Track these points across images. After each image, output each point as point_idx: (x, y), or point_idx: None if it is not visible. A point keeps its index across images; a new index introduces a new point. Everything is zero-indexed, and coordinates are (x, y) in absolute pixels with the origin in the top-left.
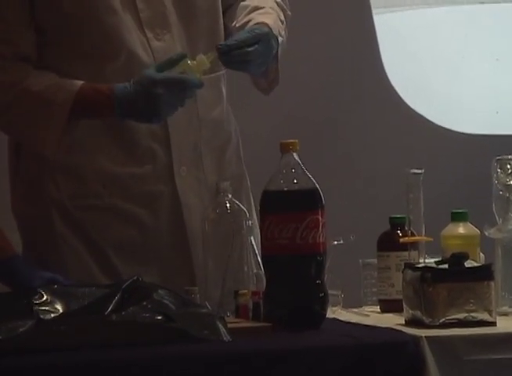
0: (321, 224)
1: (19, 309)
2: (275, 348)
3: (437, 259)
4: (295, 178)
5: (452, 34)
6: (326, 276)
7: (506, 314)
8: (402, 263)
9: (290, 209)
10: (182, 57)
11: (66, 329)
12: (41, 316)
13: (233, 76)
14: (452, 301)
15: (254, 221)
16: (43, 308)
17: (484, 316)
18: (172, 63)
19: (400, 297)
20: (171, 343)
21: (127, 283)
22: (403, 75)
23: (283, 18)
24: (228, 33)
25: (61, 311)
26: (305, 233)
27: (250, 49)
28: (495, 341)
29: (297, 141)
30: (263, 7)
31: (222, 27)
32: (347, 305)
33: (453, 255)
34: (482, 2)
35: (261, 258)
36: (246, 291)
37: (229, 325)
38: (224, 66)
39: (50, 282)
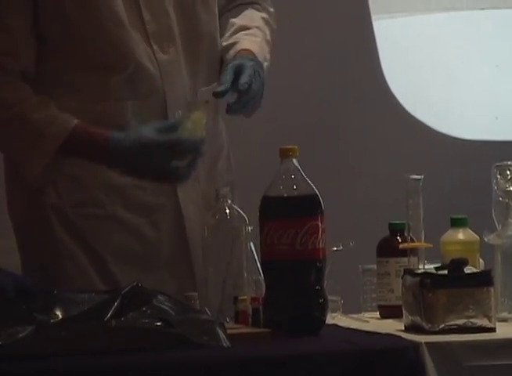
0: (320, 230)
1: (19, 314)
2: (275, 354)
3: (436, 265)
4: (295, 184)
5: (452, 40)
6: (325, 282)
7: (505, 320)
8: (402, 269)
9: (289, 215)
10: (180, 121)
11: (66, 335)
12: (41, 322)
13: None
14: (452, 307)
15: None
16: (42, 313)
17: (484, 322)
18: (172, 127)
19: (399, 303)
20: (170, 349)
21: (126, 289)
22: (403, 81)
23: (269, 37)
24: None
25: (60, 317)
26: (305, 238)
27: (251, 90)
28: (495, 347)
29: (296, 147)
30: (250, 27)
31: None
32: (347, 310)
33: (453, 261)
34: (482, 8)
35: (261, 264)
36: (245, 296)
37: (229, 331)
38: (231, 113)
39: (17, 284)
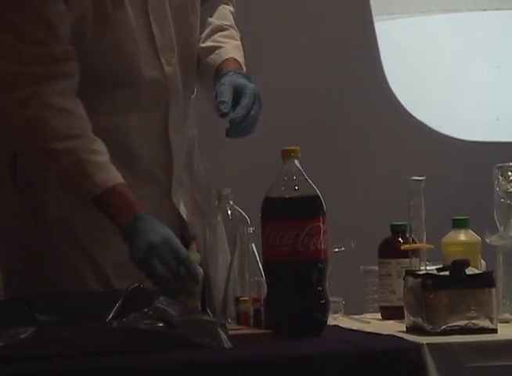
0: (322, 231)
1: (20, 315)
2: (276, 355)
3: (438, 266)
4: (296, 185)
5: (453, 41)
6: (327, 283)
7: (507, 321)
8: (403, 270)
9: (291, 216)
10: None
11: (67, 336)
12: (42, 323)
13: None
14: (453, 308)
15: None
16: (44, 314)
17: (486, 323)
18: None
19: (401, 304)
20: (172, 350)
21: (128, 290)
22: (404, 82)
23: (239, 35)
24: None
25: (62, 318)
26: (306, 239)
27: (252, 113)
28: (497, 348)
29: (298, 148)
30: (225, 28)
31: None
32: (349, 311)
33: (454, 262)
34: (484, 9)
35: (262, 265)
36: (247, 297)
37: (230, 332)
38: (231, 137)
39: None
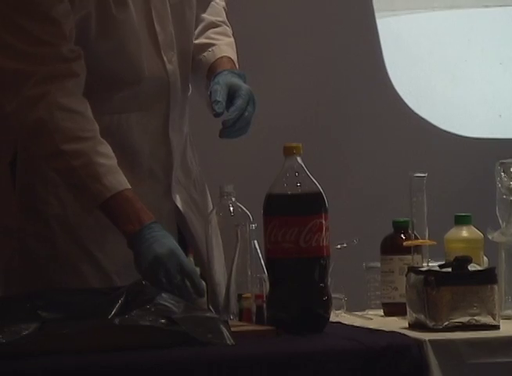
0: (324, 227)
1: (23, 312)
2: (279, 351)
3: (440, 263)
4: (298, 181)
5: (455, 37)
6: (329, 279)
7: (509, 318)
8: (406, 267)
9: (293, 213)
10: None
11: (70, 332)
12: (45, 320)
13: None
14: (456, 304)
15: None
16: (46, 311)
17: (488, 320)
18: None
19: (403, 300)
20: (174, 346)
21: (130, 287)
22: (406, 79)
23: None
24: None
25: (64, 314)
26: (309, 236)
27: (246, 114)
28: (499, 344)
29: (300, 145)
30: (218, 24)
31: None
32: (351, 308)
33: (457, 259)
34: (486, 6)
35: (265, 262)
36: (249, 294)
37: (233, 329)
38: (225, 137)
39: None
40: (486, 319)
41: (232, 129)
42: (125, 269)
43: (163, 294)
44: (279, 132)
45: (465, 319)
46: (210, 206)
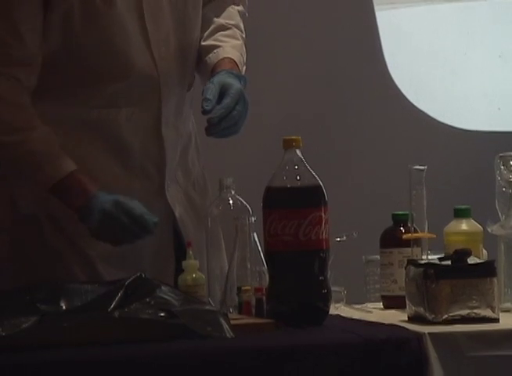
0: (324, 220)
1: (23, 305)
2: (278, 344)
3: (440, 256)
4: (298, 174)
5: (455, 30)
6: (329, 272)
7: (508, 310)
8: (405, 260)
9: (292, 206)
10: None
11: (69, 325)
12: (44, 313)
13: None
14: (455, 297)
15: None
16: (46, 304)
17: (487, 313)
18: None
19: (403, 293)
20: (173, 339)
21: (130, 280)
22: (405, 72)
23: (243, 33)
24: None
25: (64, 307)
26: (308, 229)
27: (234, 113)
28: (498, 337)
29: (299, 137)
30: (228, 27)
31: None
32: (350, 301)
33: (456, 252)
34: None
35: (264, 255)
36: (249, 287)
37: (232, 322)
38: (211, 136)
39: None
40: (485, 312)
41: (217, 128)
42: (111, 260)
43: (162, 287)
44: (278, 125)
45: (464, 312)
46: None
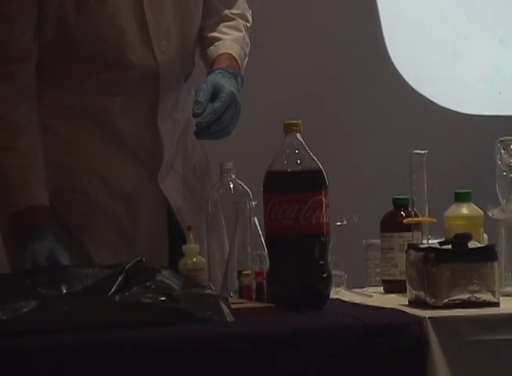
0: (324, 205)
1: (23, 289)
2: (279, 328)
3: (440, 240)
4: (298, 158)
5: (455, 14)
6: (329, 256)
7: (509, 295)
8: (406, 244)
9: (293, 190)
10: None
11: (70, 309)
12: (45, 297)
13: None
14: (456, 281)
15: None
16: (47, 288)
17: (488, 297)
18: None
19: (403, 277)
20: (174, 324)
21: (130, 264)
22: (406, 56)
23: (250, 22)
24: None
25: (64, 291)
26: (309, 213)
27: (223, 117)
28: (498, 321)
29: (300, 122)
30: (233, 17)
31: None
32: (351, 285)
33: (457, 236)
34: None
35: (265, 239)
36: (249, 271)
37: (233, 306)
38: (200, 138)
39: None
40: (486, 297)
41: (206, 131)
42: (100, 243)
43: (163, 272)
44: (278, 109)
45: (465, 296)
46: None
